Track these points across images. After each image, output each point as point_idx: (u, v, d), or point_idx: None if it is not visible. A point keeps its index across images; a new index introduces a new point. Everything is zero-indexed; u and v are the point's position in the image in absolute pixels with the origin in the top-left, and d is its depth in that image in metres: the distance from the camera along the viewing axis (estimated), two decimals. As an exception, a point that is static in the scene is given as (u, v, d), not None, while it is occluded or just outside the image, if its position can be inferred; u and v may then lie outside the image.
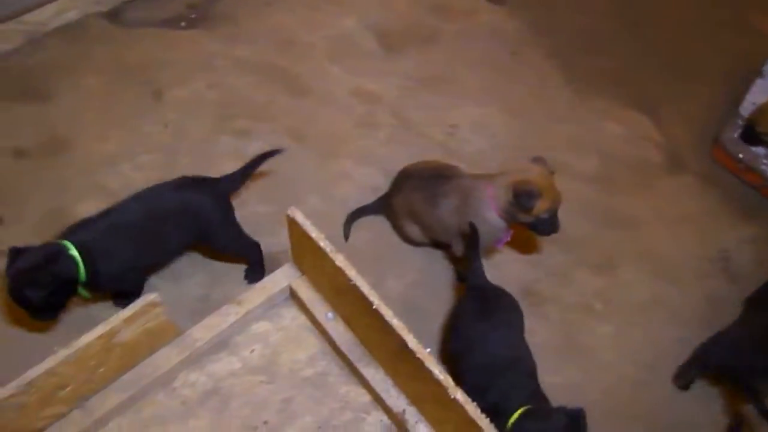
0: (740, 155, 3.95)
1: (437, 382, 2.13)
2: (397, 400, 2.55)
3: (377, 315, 2.25)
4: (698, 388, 3.28)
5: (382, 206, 3.34)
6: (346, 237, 3.31)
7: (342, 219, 3.39)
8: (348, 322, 2.61)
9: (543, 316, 3.32)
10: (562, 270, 3.50)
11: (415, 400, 2.49)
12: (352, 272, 2.28)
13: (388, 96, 3.90)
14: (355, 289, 2.27)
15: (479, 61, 4.23)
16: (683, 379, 3.20)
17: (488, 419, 2.14)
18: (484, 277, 2.84)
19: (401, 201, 3.14)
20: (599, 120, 4.15)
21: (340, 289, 2.43)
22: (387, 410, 2.57)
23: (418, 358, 2.15)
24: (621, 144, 4.07)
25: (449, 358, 2.87)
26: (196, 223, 2.83)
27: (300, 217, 2.40)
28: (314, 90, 3.85)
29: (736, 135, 3.99)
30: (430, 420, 2.46)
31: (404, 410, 2.52)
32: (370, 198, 3.43)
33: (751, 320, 3.15)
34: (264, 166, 3.02)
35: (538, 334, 3.14)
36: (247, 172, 2.94)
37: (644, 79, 4.43)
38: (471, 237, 2.85)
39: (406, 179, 3.12)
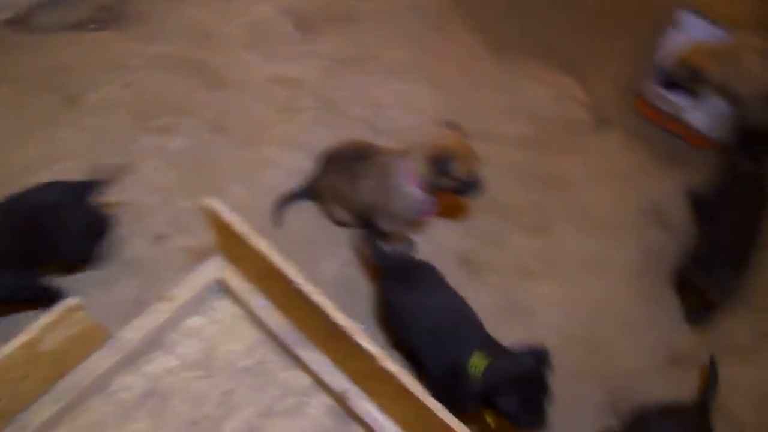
0: (664, 106, 3.98)
1: (371, 357, 2.10)
2: (337, 380, 2.52)
3: (305, 296, 2.21)
4: (645, 338, 3.35)
5: (309, 191, 3.28)
6: (277, 224, 3.25)
7: (271, 207, 3.32)
8: (281, 307, 2.58)
9: (483, 283, 3.34)
10: (497, 235, 3.52)
11: (355, 377, 2.47)
12: (275, 256, 2.24)
13: (309, 79, 3.85)
14: (280, 273, 2.23)
15: (402, 38, 4.20)
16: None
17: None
18: (390, 253, 2.89)
19: (326, 184, 3.12)
20: (527, 85, 4.17)
21: (267, 275, 2.39)
22: (329, 391, 2.55)
23: (350, 335, 2.12)
24: (549, 106, 4.10)
25: (398, 340, 2.89)
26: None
27: (218, 206, 2.35)
28: (233, 80, 3.79)
29: (655, 85, 4.03)
30: (372, 395, 2.44)
31: (346, 389, 2.49)
32: (298, 183, 3.36)
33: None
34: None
35: (480, 300, 3.10)
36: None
37: (568, 41, 4.47)
38: (369, 222, 2.93)
39: (328, 162, 3.10)
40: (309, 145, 3.50)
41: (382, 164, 2.90)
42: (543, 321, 3.27)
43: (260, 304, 2.60)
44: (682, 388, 3.13)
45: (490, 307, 3.19)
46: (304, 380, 2.59)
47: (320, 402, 2.57)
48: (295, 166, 3.44)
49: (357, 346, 2.13)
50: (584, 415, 3.06)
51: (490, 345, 2.50)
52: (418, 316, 2.63)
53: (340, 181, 3.03)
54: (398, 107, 3.80)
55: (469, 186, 2.84)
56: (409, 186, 2.84)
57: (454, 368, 2.49)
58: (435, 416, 2.03)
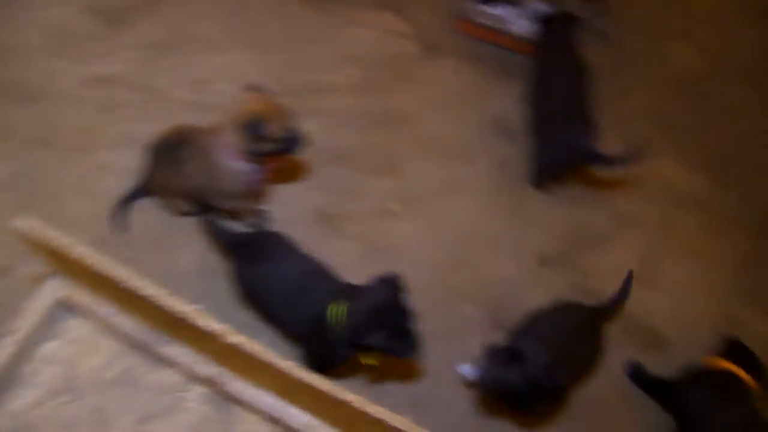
0: (484, 21, 4.04)
1: (216, 336, 2.05)
2: (205, 367, 2.47)
3: (140, 294, 2.14)
4: (513, 248, 3.47)
5: (143, 188, 3.18)
6: (121, 228, 3.13)
7: (110, 213, 3.20)
8: (129, 311, 2.49)
9: (344, 234, 3.35)
10: (349, 185, 3.53)
11: (221, 360, 2.42)
12: (99, 261, 2.15)
13: (126, 72, 3.69)
14: (108, 276, 2.14)
15: (211, 12, 4.06)
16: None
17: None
18: (230, 231, 2.87)
19: (156, 177, 3.03)
20: (348, 29, 4.13)
21: (104, 283, 2.29)
22: (202, 380, 2.49)
23: (191, 319, 2.07)
24: (374, 46, 4.08)
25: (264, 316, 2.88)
26: None
27: (27, 224, 2.22)
28: (45, 91, 3.58)
29: (473, 2, 4.13)
30: (240, 372, 2.40)
31: (215, 374, 2.45)
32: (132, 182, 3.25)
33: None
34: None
35: (345, 251, 3.15)
36: None
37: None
38: (207, 205, 2.93)
39: (153, 155, 3.00)
40: (139, 140, 3.35)
41: (200, 145, 2.81)
42: (411, 257, 3.31)
43: (110, 313, 2.50)
44: (557, 288, 3.30)
45: (356, 255, 3.23)
46: (174, 377, 2.53)
47: (196, 393, 2.52)
48: (130, 164, 3.30)
49: (204, 329, 2.07)
50: (471, 336, 3.15)
51: (345, 291, 2.52)
52: (271, 285, 2.63)
53: (167, 171, 2.94)
54: (222, 80, 3.70)
55: (289, 143, 2.79)
56: (230, 160, 2.76)
57: (316, 325, 2.51)
58: (295, 377, 2.00)
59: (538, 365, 2.47)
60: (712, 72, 4.45)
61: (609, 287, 3.22)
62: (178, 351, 2.49)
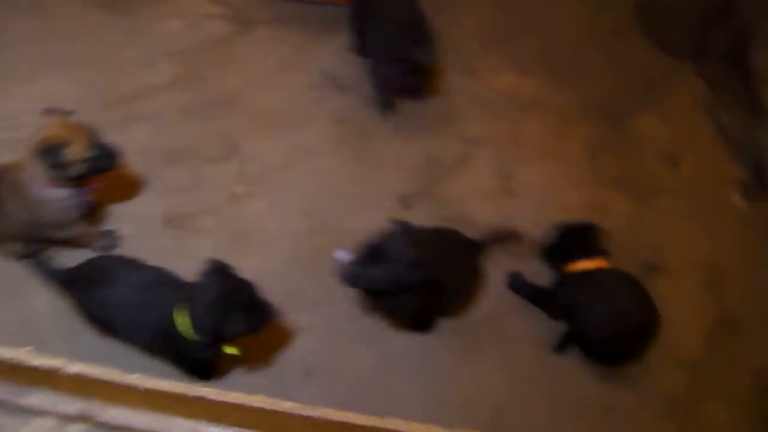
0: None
1: (56, 370, 1.96)
2: (72, 404, 2.36)
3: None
4: (373, 196, 3.47)
5: None
6: None
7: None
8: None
9: (199, 232, 3.27)
10: (189, 180, 3.44)
11: (86, 392, 2.32)
12: None
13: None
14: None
15: (15, 41, 3.85)
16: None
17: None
18: (58, 268, 2.76)
19: None
20: (156, 24, 4.00)
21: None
22: (75, 419, 2.38)
23: (24, 363, 1.96)
24: (187, 35, 3.97)
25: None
26: None
27: None
28: None
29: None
30: (107, 399, 2.31)
31: (84, 408, 2.35)
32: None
33: None
34: None
35: (202, 249, 3.05)
36: None
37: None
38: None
39: None
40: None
41: (11, 181, 2.66)
42: (270, 233, 3.28)
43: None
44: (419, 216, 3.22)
45: (214, 248, 3.15)
46: (46, 422, 2.41)
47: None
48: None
49: (41, 368, 1.97)
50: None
51: (183, 293, 2.46)
52: (110, 309, 2.57)
53: None
54: (36, 112, 3.48)
55: (99, 160, 2.64)
56: (45, 189, 2.62)
57: (166, 336, 2.47)
58: (148, 387, 1.93)
59: (401, 262, 2.46)
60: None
61: (473, 210, 3.36)
62: (38, 397, 2.37)
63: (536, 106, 3.85)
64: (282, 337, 3.00)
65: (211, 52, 3.81)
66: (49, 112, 2.61)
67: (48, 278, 2.71)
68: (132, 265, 2.63)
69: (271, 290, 2.50)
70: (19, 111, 3.47)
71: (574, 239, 3.04)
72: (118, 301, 2.52)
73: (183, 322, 2.40)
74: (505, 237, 3.18)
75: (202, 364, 2.68)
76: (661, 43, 4.34)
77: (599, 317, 2.91)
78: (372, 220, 3.05)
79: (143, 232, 3.16)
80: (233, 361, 2.75)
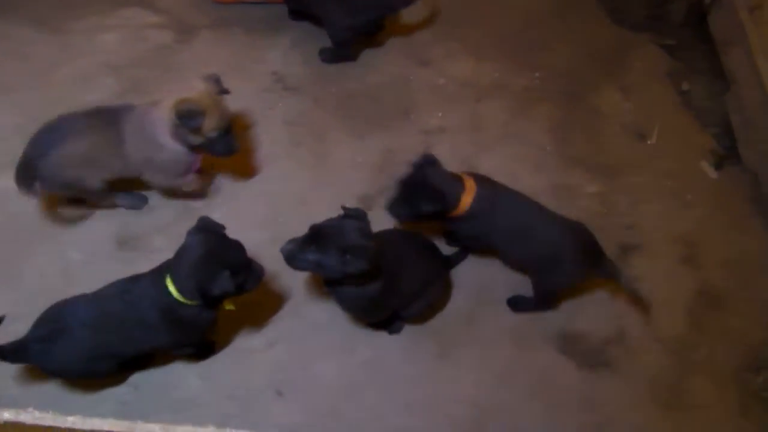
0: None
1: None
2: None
3: None
4: (334, 199, 3.27)
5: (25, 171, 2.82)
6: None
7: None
8: None
9: (154, 252, 3.10)
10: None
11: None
12: None
13: None
14: None
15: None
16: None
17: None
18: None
19: (69, 153, 2.75)
20: (94, 37, 3.83)
21: None
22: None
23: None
24: (127, 47, 3.80)
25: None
26: None
27: None
28: None
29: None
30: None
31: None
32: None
33: None
34: None
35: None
36: None
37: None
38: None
39: (70, 123, 2.76)
40: None
41: (137, 115, 2.74)
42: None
43: None
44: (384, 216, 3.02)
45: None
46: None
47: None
48: None
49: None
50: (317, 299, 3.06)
51: (161, 272, 2.40)
52: (93, 347, 2.49)
53: (97, 141, 2.76)
54: None
55: (220, 146, 2.75)
56: (166, 137, 2.71)
57: (167, 316, 2.41)
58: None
59: (333, 255, 2.34)
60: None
61: None
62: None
63: (495, 89, 3.73)
64: (247, 356, 2.90)
65: (152, 62, 3.64)
66: (210, 78, 2.73)
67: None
68: (89, 298, 2.51)
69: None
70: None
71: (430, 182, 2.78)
72: (92, 336, 2.45)
73: (174, 291, 2.33)
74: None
75: (203, 330, 2.59)
76: (617, 16, 4.25)
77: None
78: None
79: (93, 258, 2.99)
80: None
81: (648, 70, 4.01)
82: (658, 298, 3.17)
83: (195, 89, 2.65)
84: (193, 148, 2.76)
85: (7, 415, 1.85)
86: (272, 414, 2.76)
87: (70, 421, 1.84)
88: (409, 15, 3.89)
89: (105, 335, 2.45)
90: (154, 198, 3.25)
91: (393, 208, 2.72)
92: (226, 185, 3.34)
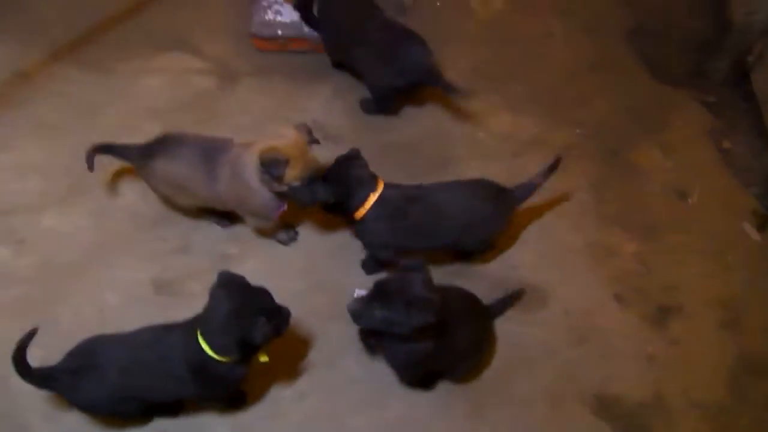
0: (279, 32, 3.87)
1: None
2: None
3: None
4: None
5: (139, 159, 2.98)
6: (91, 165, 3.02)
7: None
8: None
9: (191, 297, 3.13)
10: (179, 243, 3.35)
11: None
12: None
13: None
14: None
15: None
16: None
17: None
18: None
19: (167, 168, 2.90)
20: (138, 81, 3.88)
21: None
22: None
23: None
24: (170, 92, 3.83)
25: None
26: None
27: None
28: None
29: (265, 17, 3.96)
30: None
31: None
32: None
33: None
34: None
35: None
36: None
37: (156, 17, 4.16)
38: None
39: (177, 146, 2.88)
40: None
41: (233, 156, 2.80)
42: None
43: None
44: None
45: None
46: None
47: None
48: None
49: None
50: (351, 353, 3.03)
51: (192, 327, 2.40)
52: (123, 384, 2.49)
53: (192, 172, 2.86)
54: (15, 179, 3.44)
55: (303, 195, 2.77)
56: (253, 181, 2.75)
57: (199, 372, 2.41)
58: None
59: (412, 303, 2.32)
60: (509, 12, 4.40)
61: (473, 262, 3.27)
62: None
63: (533, 145, 3.72)
64: (277, 408, 2.90)
65: (195, 108, 3.69)
66: (302, 127, 2.76)
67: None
68: (116, 336, 2.53)
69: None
70: (-3, 179, 3.28)
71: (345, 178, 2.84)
72: (125, 374, 2.45)
73: (208, 349, 2.33)
74: (514, 299, 3.02)
75: (235, 385, 2.58)
76: (658, 72, 4.21)
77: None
78: (368, 279, 2.97)
79: (130, 301, 3.02)
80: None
81: (689, 127, 3.97)
82: (698, 362, 3.12)
83: (285, 137, 2.69)
84: (278, 195, 2.80)
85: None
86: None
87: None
88: (448, 68, 3.88)
89: (133, 379, 2.46)
90: (193, 243, 3.29)
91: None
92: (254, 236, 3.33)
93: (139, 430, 2.80)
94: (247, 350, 2.34)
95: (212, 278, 2.70)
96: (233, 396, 2.79)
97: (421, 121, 3.78)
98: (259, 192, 2.78)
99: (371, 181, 2.82)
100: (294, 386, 2.93)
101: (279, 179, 2.67)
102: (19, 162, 3.47)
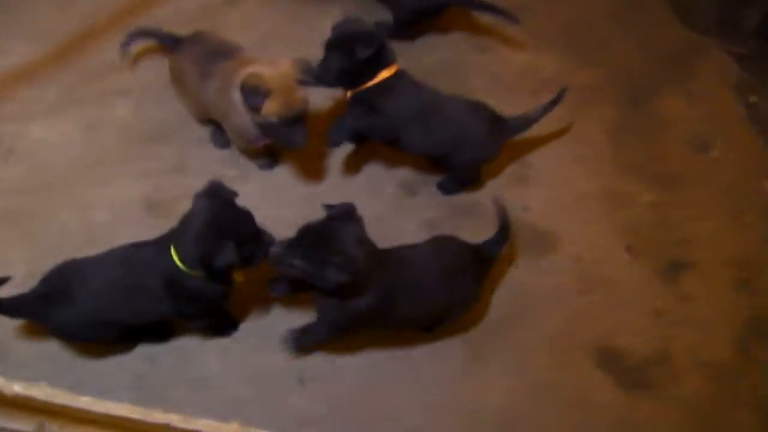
0: None
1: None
2: (27, 422, 2.06)
3: None
4: (374, 184, 3.20)
5: (175, 44, 2.98)
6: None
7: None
8: None
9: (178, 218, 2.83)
10: (175, 162, 3.20)
11: (39, 410, 2.02)
12: None
13: None
14: None
15: None
16: None
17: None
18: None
19: (181, 61, 2.89)
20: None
21: None
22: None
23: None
24: (175, 4, 3.62)
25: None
26: None
27: None
28: None
29: None
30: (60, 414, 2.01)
31: (39, 424, 2.05)
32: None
33: None
34: None
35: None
36: None
37: None
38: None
39: (193, 43, 2.88)
40: None
41: (228, 70, 2.66)
42: (263, 221, 2.81)
43: None
44: (433, 214, 3.05)
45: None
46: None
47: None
48: None
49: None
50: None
51: (167, 240, 2.29)
52: (100, 309, 2.38)
53: (192, 70, 2.80)
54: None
55: (280, 135, 2.62)
56: (239, 104, 2.60)
57: (172, 287, 2.30)
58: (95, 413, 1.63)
59: (316, 264, 2.15)
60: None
61: (484, 199, 3.10)
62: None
63: (552, 83, 3.49)
64: (270, 340, 2.74)
65: (197, 23, 3.41)
66: (300, 62, 2.62)
67: None
68: (94, 259, 2.39)
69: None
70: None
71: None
72: (100, 296, 2.34)
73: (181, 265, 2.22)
74: (506, 231, 2.78)
75: (215, 305, 2.48)
76: (687, 19, 3.98)
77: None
78: (373, 209, 2.77)
79: (119, 220, 2.87)
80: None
81: (715, 78, 3.77)
82: (707, 320, 3.02)
83: (277, 67, 2.55)
84: (258, 126, 2.63)
85: (18, 389, 1.71)
86: (290, 403, 2.62)
87: (83, 401, 1.70)
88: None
89: (108, 302, 2.34)
90: (189, 163, 3.13)
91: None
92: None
93: (125, 356, 2.70)
94: (214, 270, 2.19)
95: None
96: (222, 323, 2.70)
97: (438, 50, 3.57)
98: (241, 114, 2.63)
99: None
100: (288, 319, 2.79)
101: (256, 110, 2.52)
102: (9, 68, 3.27)
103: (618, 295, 3.06)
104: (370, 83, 2.69)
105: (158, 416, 1.67)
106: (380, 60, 2.70)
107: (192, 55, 2.80)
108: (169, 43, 2.99)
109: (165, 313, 2.43)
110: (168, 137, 3.17)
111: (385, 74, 2.68)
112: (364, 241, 2.22)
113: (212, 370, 2.70)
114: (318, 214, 2.82)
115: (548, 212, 3.20)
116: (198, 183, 2.85)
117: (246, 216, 2.26)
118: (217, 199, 2.23)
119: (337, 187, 3.16)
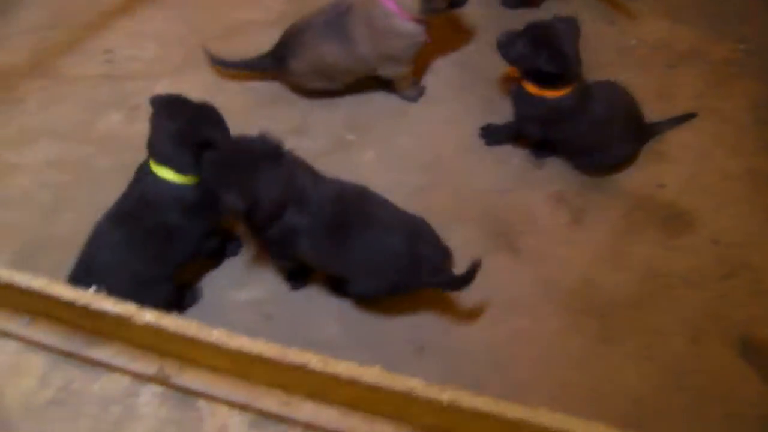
0: None
1: (123, 318, 1.61)
2: (147, 363, 2.03)
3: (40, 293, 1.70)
4: (498, 153, 3.04)
5: (273, 66, 3.02)
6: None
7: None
8: (43, 317, 2.05)
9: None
10: (297, 123, 3.16)
11: (159, 350, 1.98)
12: None
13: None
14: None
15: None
16: None
17: None
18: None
19: (306, 60, 2.89)
20: None
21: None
22: (149, 378, 2.06)
23: (88, 305, 1.62)
24: None
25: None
26: None
27: None
28: None
29: None
30: (183, 358, 1.97)
31: (160, 367, 2.01)
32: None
33: None
34: None
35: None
36: None
37: None
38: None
39: (300, 36, 2.86)
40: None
41: (363, 9, 2.73)
42: (382, 184, 2.70)
43: (25, 322, 2.07)
44: (559, 186, 2.89)
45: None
46: (120, 381, 2.10)
47: (148, 393, 2.09)
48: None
49: (115, 317, 1.62)
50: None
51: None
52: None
53: (328, 46, 2.82)
54: (131, 46, 3.40)
55: None
56: (400, 20, 2.69)
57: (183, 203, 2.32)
58: (236, 348, 1.55)
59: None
60: None
61: (619, 176, 3.00)
62: (111, 351, 2.05)
63: (689, 57, 3.32)
64: (389, 308, 2.64)
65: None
66: None
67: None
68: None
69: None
70: (112, 46, 3.35)
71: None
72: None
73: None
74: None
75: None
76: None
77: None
78: (499, 180, 2.76)
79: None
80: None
81: None
82: None
83: None
84: (433, 15, 2.72)
85: (149, 317, 1.64)
86: (409, 370, 2.48)
87: (215, 335, 1.61)
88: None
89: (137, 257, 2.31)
90: (309, 125, 3.11)
91: (503, 44, 2.63)
92: (383, 122, 3.14)
93: (242, 316, 2.67)
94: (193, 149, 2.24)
95: (327, 161, 2.49)
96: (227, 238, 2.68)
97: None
98: (409, 30, 2.72)
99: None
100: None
101: None
102: (138, 29, 3.36)
103: (761, 281, 2.80)
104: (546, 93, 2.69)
105: (295, 356, 1.57)
106: (556, 80, 2.65)
107: (312, 44, 2.83)
108: (262, 66, 3.05)
109: (190, 241, 2.40)
110: (290, 100, 3.15)
111: (555, 93, 2.68)
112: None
113: (329, 334, 2.63)
114: (442, 181, 2.72)
115: (685, 190, 2.98)
116: (317, 145, 2.81)
117: (202, 105, 2.31)
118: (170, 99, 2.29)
119: (460, 154, 3.02)
